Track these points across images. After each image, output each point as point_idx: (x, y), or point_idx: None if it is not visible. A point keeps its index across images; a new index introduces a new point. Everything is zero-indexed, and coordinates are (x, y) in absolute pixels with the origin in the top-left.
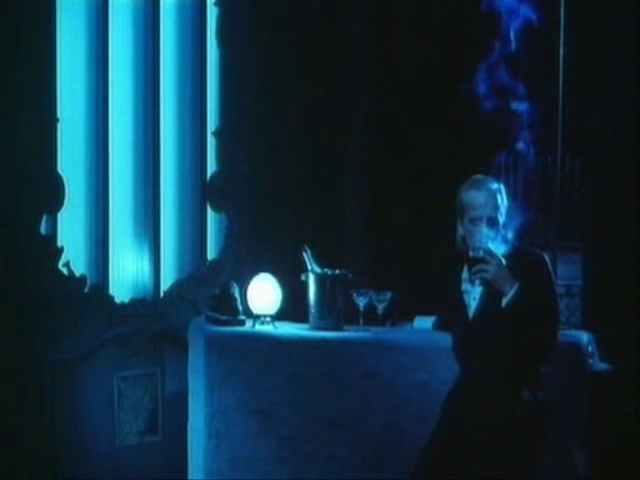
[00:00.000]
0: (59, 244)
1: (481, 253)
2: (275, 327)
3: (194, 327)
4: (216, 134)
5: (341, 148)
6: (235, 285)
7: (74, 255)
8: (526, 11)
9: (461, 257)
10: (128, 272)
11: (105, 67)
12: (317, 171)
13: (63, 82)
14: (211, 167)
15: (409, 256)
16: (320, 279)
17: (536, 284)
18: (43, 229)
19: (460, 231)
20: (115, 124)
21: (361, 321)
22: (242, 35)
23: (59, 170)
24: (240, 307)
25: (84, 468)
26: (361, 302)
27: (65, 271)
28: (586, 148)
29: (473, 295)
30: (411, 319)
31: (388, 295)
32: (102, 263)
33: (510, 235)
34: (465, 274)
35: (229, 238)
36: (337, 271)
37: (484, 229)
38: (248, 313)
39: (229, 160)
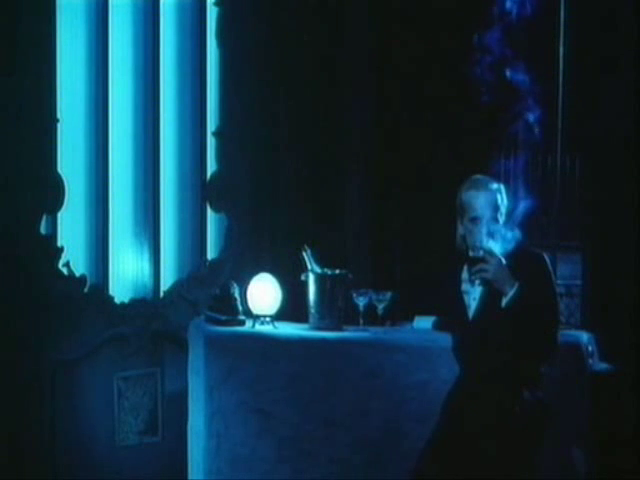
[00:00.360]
0: (59, 244)
1: (481, 253)
2: (275, 327)
3: (194, 327)
4: (216, 134)
5: (341, 148)
6: (235, 285)
7: (74, 255)
8: None
9: (461, 257)
10: (128, 272)
11: (105, 67)
12: (317, 171)
13: (63, 82)
14: (211, 167)
15: (409, 256)
16: (320, 279)
17: (536, 284)
18: (43, 229)
19: (460, 231)
20: (115, 124)
21: (361, 321)
22: (242, 35)
23: (59, 170)
24: (240, 307)
25: (84, 468)
26: (361, 302)
27: (65, 271)
28: (586, 148)
29: (473, 295)
30: (411, 319)
31: (388, 295)
32: (102, 263)
33: (510, 235)
34: (465, 274)
35: (229, 238)
36: (337, 271)
37: (484, 229)
38: (248, 313)
39: (229, 160)
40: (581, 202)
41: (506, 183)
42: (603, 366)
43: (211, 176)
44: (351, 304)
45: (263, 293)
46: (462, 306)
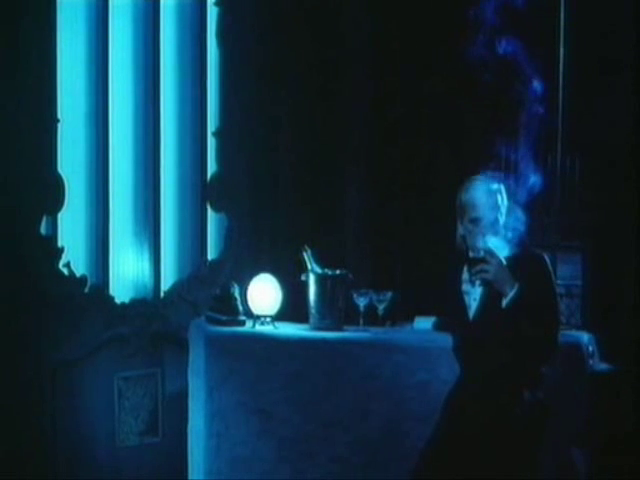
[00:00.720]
0: (59, 244)
1: (481, 253)
2: (275, 327)
3: (194, 327)
4: (216, 134)
5: (341, 148)
6: (235, 285)
7: (74, 255)
8: None
9: (461, 257)
10: (128, 272)
11: (105, 67)
12: (317, 171)
13: (63, 82)
14: (211, 167)
15: (409, 256)
16: (320, 279)
17: (536, 284)
18: (43, 229)
19: (460, 231)
20: (115, 124)
21: (361, 321)
22: (242, 35)
23: (59, 170)
24: (240, 307)
25: (84, 468)
26: (361, 302)
27: (65, 271)
28: (586, 148)
29: (473, 296)
30: (411, 319)
31: (388, 295)
32: (102, 263)
33: (510, 235)
34: (465, 274)
35: (229, 238)
36: (337, 271)
37: (484, 229)
38: (248, 313)
39: (229, 160)
40: (581, 202)
41: (510, 168)
42: (603, 366)
43: (211, 176)
44: (351, 304)
45: (263, 293)
46: (462, 306)
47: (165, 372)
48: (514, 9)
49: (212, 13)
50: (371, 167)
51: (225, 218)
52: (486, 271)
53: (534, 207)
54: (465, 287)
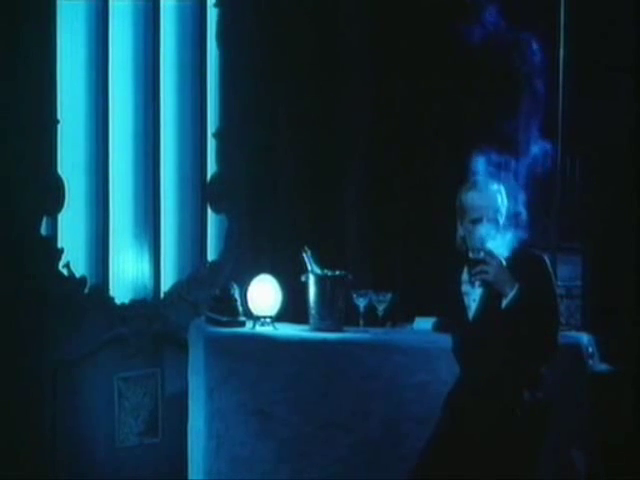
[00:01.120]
0: (59, 245)
1: (481, 254)
2: (275, 328)
3: (194, 328)
4: (216, 135)
5: (341, 149)
6: (235, 286)
7: (74, 256)
8: None
9: (461, 258)
10: (128, 273)
11: (105, 68)
12: (317, 172)
13: (63, 83)
14: (211, 168)
15: (409, 257)
16: (320, 280)
17: (536, 285)
18: (43, 230)
19: (460, 232)
20: (115, 125)
21: (361, 322)
22: (242, 36)
23: (59, 171)
24: (240, 308)
25: (84, 469)
26: (361, 303)
27: (65, 272)
28: (586, 148)
29: (473, 296)
30: (411, 320)
31: (388, 296)
32: (102, 264)
33: (510, 236)
34: (465, 275)
35: (229, 239)
36: (337, 272)
37: (484, 230)
38: (248, 314)
39: (229, 161)
40: (581, 203)
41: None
42: (603, 367)
43: (211, 177)
44: (351, 305)
45: (263, 294)
46: (462, 307)
47: (165, 372)
48: None
49: (212, 14)
50: (371, 167)
51: (225, 219)
52: (486, 272)
53: (535, 196)
54: (465, 288)
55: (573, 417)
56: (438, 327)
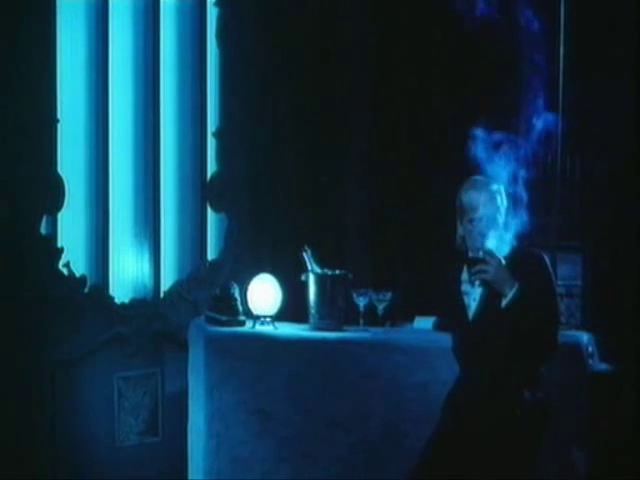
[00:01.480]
0: (59, 244)
1: (481, 254)
2: (275, 327)
3: (194, 327)
4: (216, 134)
5: (341, 148)
6: (235, 285)
7: (74, 255)
8: None
9: (461, 258)
10: (128, 272)
11: (105, 67)
12: (317, 171)
13: (63, 82)
14: (211, 167)
15: (409, 256)
16: (320, 279)
17: (536, 285)
18: (43, 229)
19: (460, 231)
20: (115, 124)
21: (361, 321)
22: (242, 35)
23: (59, 170)
24: (240, 307)
25: (84, 468)
26: (361, 302)
27: (65, 271)
28: (586, 148)
29: (473, 296)
30: (411, 319)
31: (388, 295)
32: (102, 263)
33: (510, 235)
34: (465, 275)
35: (229, 238)
36: (337, 271)
37: (484, 230)
38: (248, 313)
39: (229, 160)
40: (581, 202)
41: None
42: (603, 367)
43: (211, 176)
44: (351, 304)
45: (263, 293)
46: (462, 307)
47: (165, 372)
48: None
49: (212, 13)
50: (371, 167)
51: (225, 218)
52: (485, 271)
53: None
54: (465, 287)
55: (573, 417)
56: (438, 326)
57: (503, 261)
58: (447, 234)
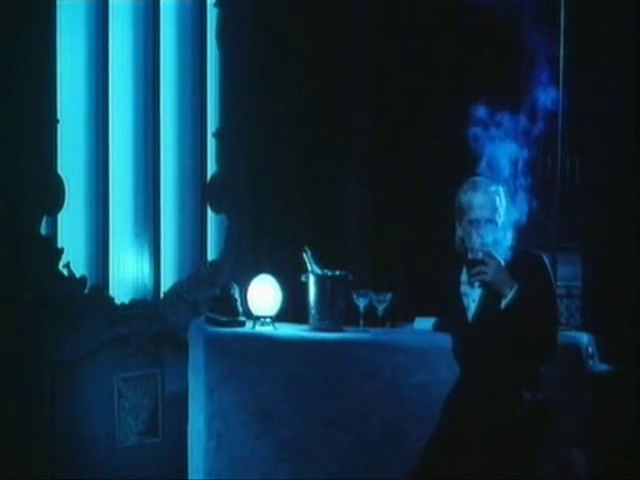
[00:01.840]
0: (59, 245)
1: (480, 255)
2: (275, 328)
3: (194, 328)
4: (216, 135)
5: (341, 149)
6: (235, 286)
7: (74, 256)
8: None
9: (460, 259)
10: (128, 273)
11: (105, 68)
12: (317, 172)
13: (63, 83)
14: (211, 168)
15: (409, 257)
16: (320, 280)
17: (535, 286)
18: (43, 230)
19: (459, 233)
20: (115, 125)
21: (361, 322)
22: (242, 36)
23: (59, 171)
24: (240, 308)
25: (84, 469)
26: (361, 303)
27: (65, 272)
28: (586, 148)
29: (472, 297)
30: (411, 320)
31: (388, 296)
32: (102, 264)
33: (509, 236)
34: (464, 276)
35: (229, 239)
36: (337, 272)
37: (483, 231)
38: (248, 314)
39: (229, 161)
40: (581, 203)
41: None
42: (603, 367)
43: (211, 177)
44: (351, 305)
45: (263, 294)
46: (461, 308)
47: (165, 373)
48: None
49: (212, 14)
50: (371, 167)
51: (225, 219)
52: (485, 272)
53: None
54: (464, 288)
55: (573, 417)
56: (438, 327)
57: (502, 262)
58: (447, 235)
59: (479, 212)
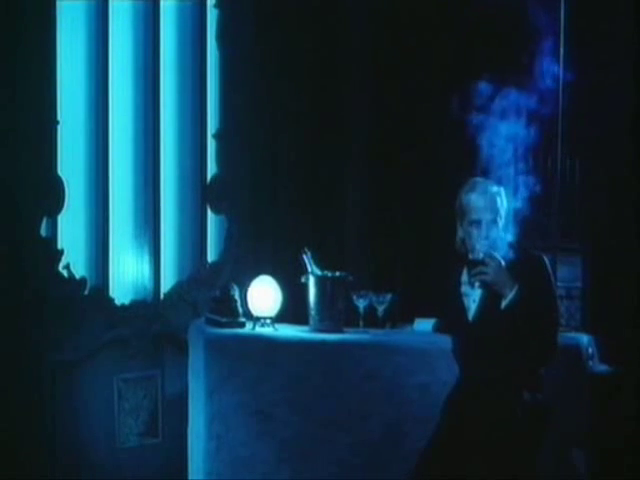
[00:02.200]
0: (59, 246)
1: (481, 255)
2: (275, 329)
3: (194, 329)
4: (216, 136)
5: (341, 150)
6: (235, 287)
7: (74, 257)
8: None
9: (461, 259)
10: (128, 274)
11: (105, 69)
12: (317, 173)
13: (63, 84)
14: (211, 169)
15: (409, 258)
16: (320, 281)
17: (536, 286)
18: (43, 231)
19: (460, 233)
20: (115, 126)
21: (361, 323)
22: (242, 37)
23: (59, 172)
24: (240, 309)
25: (84, 469)
26: (361, 304)
27: (65, 273)
28: (586, 148)
29: (473, 297)
30: (411, 321)
31: (388, 297)
32: (102, 265)
33: (510, 237)
34: (465, 277)
35: (229, 240)
36: (337, 273)
37: (484, 232)
38: (248, 315)
39: (229, 162)
40: (581, 204)
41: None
42: (603, 368)
43: (211, 178)
44: (351, 306)
45: (263, 295)
46: (462, 308)
47: (165, 373)
48: None
49: (212, 15)
50: (371, 168)
51: (225, 220)
52: (485, 273)
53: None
54: (464, 289)
55: (573, 417)
56: (438, 328)
57: (503, 263)
58: (447, 235)
59: (480, 213)
